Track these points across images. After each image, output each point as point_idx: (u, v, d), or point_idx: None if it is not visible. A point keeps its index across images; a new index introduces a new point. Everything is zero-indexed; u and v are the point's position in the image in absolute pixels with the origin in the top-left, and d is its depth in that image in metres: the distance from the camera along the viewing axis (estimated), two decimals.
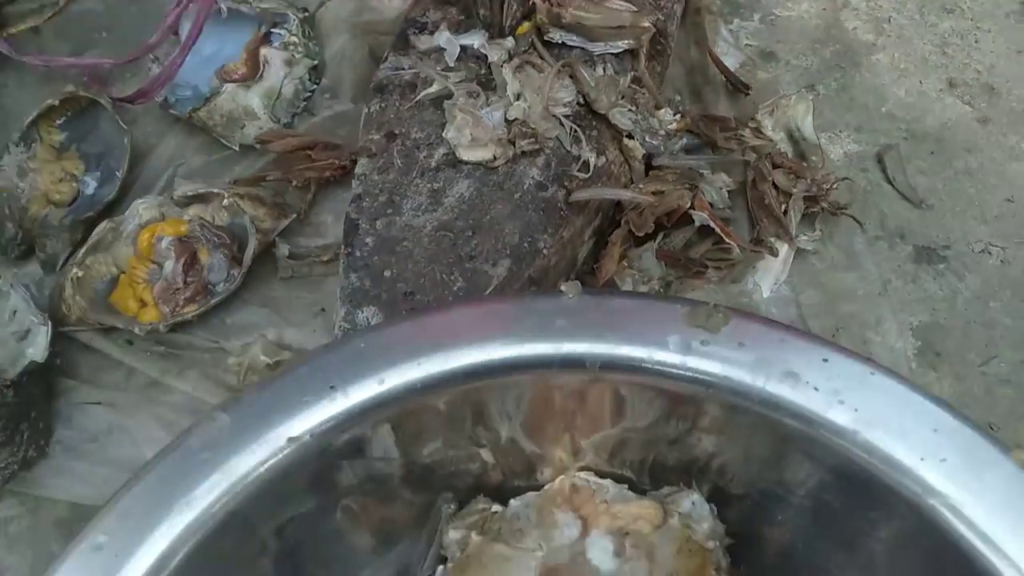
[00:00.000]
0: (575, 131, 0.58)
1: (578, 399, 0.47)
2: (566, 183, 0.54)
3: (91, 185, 0.65)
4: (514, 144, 0.53)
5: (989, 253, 0.66)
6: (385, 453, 0.44)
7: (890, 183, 0.70)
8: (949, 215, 0.68)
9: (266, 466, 0.40)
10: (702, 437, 0.46)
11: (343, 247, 0.52)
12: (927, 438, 0.38)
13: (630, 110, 0.61)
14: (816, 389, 0.40)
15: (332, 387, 0.42)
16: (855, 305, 0.63)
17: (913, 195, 0.69)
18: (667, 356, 0.42)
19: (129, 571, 0.37)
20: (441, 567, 0.43)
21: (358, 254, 0.51)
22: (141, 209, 0.60)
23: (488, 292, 0.52)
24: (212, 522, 0.38)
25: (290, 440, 0.40)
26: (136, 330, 0.57)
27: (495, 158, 0.52)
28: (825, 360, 0.41)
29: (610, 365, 0.43)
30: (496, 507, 0.46)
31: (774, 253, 0.63)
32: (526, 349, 0.43)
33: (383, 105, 0.61)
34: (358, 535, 0.47)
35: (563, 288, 0.46)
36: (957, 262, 0.65)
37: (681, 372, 0.42)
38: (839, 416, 0.39)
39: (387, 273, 0.51)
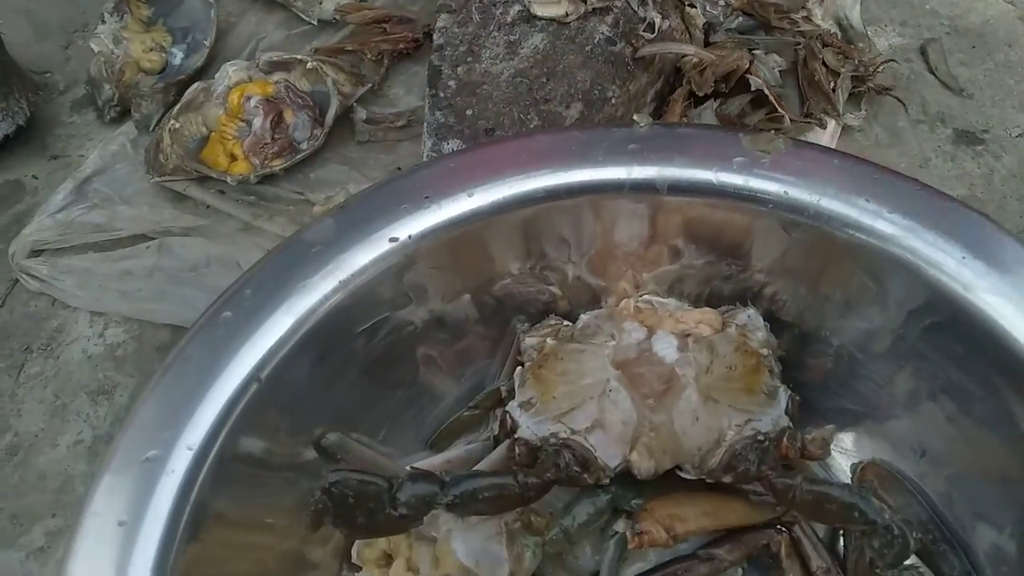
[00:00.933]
0: None
1: (642, 233, 0.52)
2: (633, 41, 0.58)
3: (178, 56, 0.71)
4: (585, 2, 0.57)
5: None
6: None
7: (932, 73, 0.73)
8: (988, 103, 0.72)
9: (372, 262, 0.45)
10: (755, 272, 0.51)
11: (428, 90, 0.57)
12: (968, 242, 0.42)
13: None
14: (867, 201, 0.44)
15: (427, 197, 0.47)
16: None
17: (954, 84, 0.72)
18: (731, 176, 0.47)
19: (253, 344, 0.42)
20: (518, 368, 0.48)
21: (442, 95, 0.56)
22: (231, 71, 0.65)
23: None
24: (325, 309, 0.44)
25: (391, 240, 0.46)
26: (228, 180, 0.62)
27: (567, 14, 0.57)
28: (874, 178, 0.46)
29: (678, 187, 0.48)
30: (567, 323, 0.51)
31: (823, 125, 0.67)
32: (601, 171, 0.48)
33: None
34: (434, 367, 0.52)
35: (635, 118, 0.50)
36: (995, 144, 0.69)
37: (744, 191, 0.47)
38: (888, 226, 0.44)
39: (469, 112, 0.56)
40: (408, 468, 0.41)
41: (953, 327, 0.42)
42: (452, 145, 0.56)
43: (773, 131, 0.49)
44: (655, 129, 0.51)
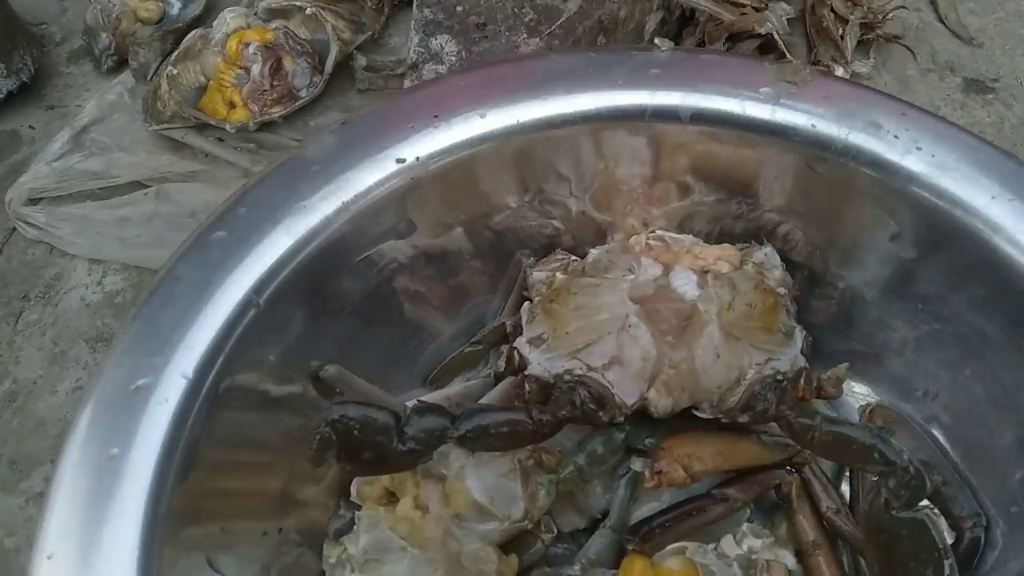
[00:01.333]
0: None
1: (651, 168, 0.50)
2: None
3: (176, 5, 0.69)
4: None
5: None
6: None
7: (942, 21, 0.72)
8: (999, 52, 0.71)
9: (377, 183, 0.42)
10: (767, 211, 0.50)
11: None
12: (995, 182, 0.42)
13: None
14: (896, 137, 0.43)
15: (436, 116, 0.44)
16: None
17: (964, 33, 0.71)
18: (757, 107, 0.45)
19: (251, 265, 0.39)
20: (526, 303, 0.46)
21: None
22: (229, 18, 0.63)
23: (558, 24, 0.54)
24: (326, 233, 0.41)
25: (398, 161, 0.43)
26: (227, 128, 0.60)
27: None
28: (904, 114, 0.44)
29: (701, 116, 0.46)
30: (575, 258, 0.49)
31: (831, 73, 0.65)
32: (621, 95, 0.46)
33: None
34: (432, 301, 0.50)
35: (656, 42, 0.48)
36: (1005, 93, 0.68)
37: (770, 124, 0.45)
38: (916, 163, 0.42)
39: (459, 8, 0.53)
40: (416, 401, 0.39)
41: (977, 270, 0.42)
42: (440, 41, 0.53)
43: (800, 62, 0.47)
44: (677, 54, 0.48)
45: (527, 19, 0.54)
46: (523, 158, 0.47)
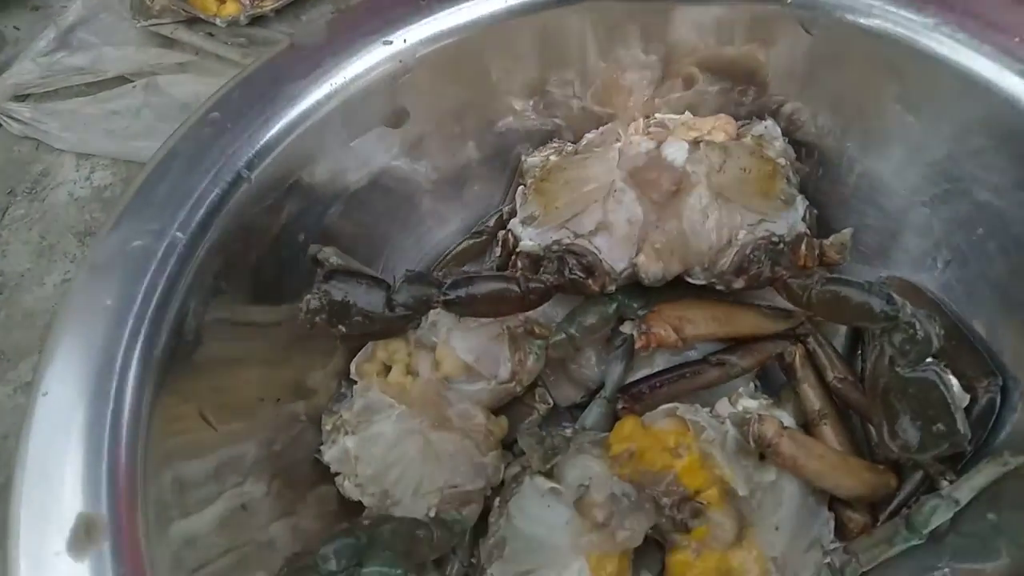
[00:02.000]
0: None
1: (652, 57, 0.49)
2: None
3: None
4: None
5: None
6: None
7: None
8: None
9: (366, 68, 0.43)
10: (774, 95, 0.49)
11: None
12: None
13: None
14: None
15: (422, 1, 0.45)
16: None
17: None
18: None
19: (244, 145, 0.41)
20: (520, 187, 0.47)
21: None
22: None
23: None
24: (317, 115, 0.42)
25: (384, 43, 0.44)
26: (217, 22, 0.61)
27: None
28: None
29: None
30: (570, 144, 0.49)
31: None
32: None
33: None
34: (433, 195, 0.51)
35: None
36: None
37: None
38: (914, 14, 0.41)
39: None
40: (406, 270, 0.40)
41: (984, 119, 0.40)
42: None
43: None
44: None
45: None
46: (517, 48, 0.47)
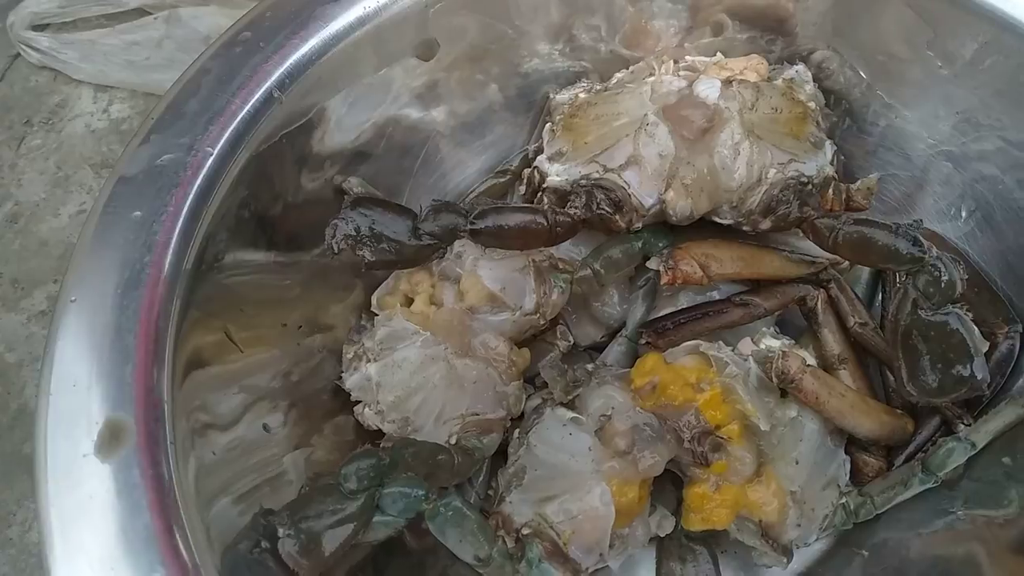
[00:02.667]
0: None
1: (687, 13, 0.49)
2: None
3: None
4: None
5: None
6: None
7: None
8: None
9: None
10: (803, 42, 0.49)
11: None
12: None
13: None
14: None
15: None
16: None
17: None
18: None
19: (276, 65, 0.40)
20: (548, 125, 0.47)
21: None
22: None
23: None
24: (347, 39, 0.42)
25: None
26: None
27: None
28: None
29: None
30: (600, 85, 0.49)
31: None
32: None
33: None
34: (457, 134, 0.51)
35: None
36: None
37: None
38: None
39: None
40: (432, 200, 0.41)
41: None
42: None
43: None
44: None
45: None
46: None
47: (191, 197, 0.36)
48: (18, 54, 0.60)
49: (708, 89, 0.42)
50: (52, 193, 0.55)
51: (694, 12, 0.50)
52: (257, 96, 0.39)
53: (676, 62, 0.50)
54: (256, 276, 0.40)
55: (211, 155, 0.37)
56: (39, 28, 0.60)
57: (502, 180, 0.49)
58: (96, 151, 0.57)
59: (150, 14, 0.59)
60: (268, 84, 0.40)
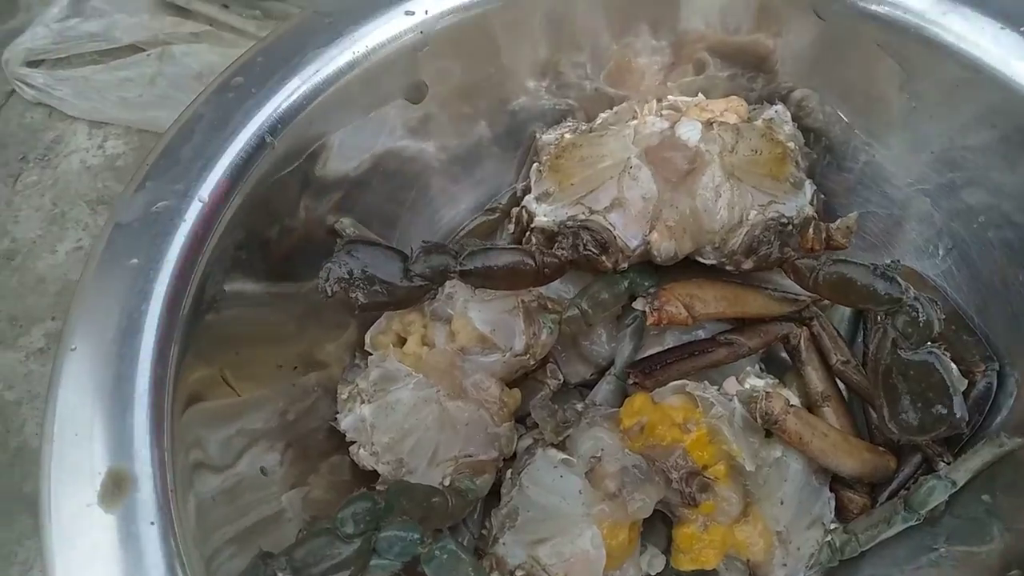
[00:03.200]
0: None
1: (663, 43, 0.51)
2: None
3: None
4: None
5: None
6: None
7: None
8: None
9: (389, 38, 0.44)
10: (783, 80, 0.51)
11: None
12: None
13: None
14: None
15: None
16: None
17: None
18: None
19: (266, 107, 0.42)
20: (535, 164, 0.48)
21: None
22: None
23: None
24: (338, 82, 0.43)
25: (407, 13, 0.45)
26: None
27: None
28: None
29: None
30: (585, 125, 0.51)
31: None
32: None
33: None
34: (446, 172, 0.52)
35: None
36: None
37: None
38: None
39: None
40: (422, 241, 0.42)
41: (1009, 134, 0.42)
42: None
43: None
44: None
45: None
46: (536, 22, 0.48)
47: (186, 244, 0.37)
48: (13, 90, 0.62)
49: (689, 132, 0.44)
50: (48, 230, 0.57)
51: (677, 49, 0.51)
52: (250, 142, 0.41)
53: (659, 101, 0.52)
54: (251, 312, 0.41)
55: (205, 202, 0.38)
56: (34, 64, 0.62)
57: (491, 218, 0.51)
58: (92, 187, 0.58)
59: (143, 51, 0.61)
60: (261, 129, 0.41)
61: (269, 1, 0.63)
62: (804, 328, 0.44)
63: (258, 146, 0.40)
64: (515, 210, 0.48)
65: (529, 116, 0.53)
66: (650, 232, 0.42)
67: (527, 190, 0.47)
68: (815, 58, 0.48)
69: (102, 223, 0.56)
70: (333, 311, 0.46)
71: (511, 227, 0.48)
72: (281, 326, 0.44)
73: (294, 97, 0.42)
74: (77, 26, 0.62)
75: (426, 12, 0.45)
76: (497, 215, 0.50)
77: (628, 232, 0.42)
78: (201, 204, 0.38)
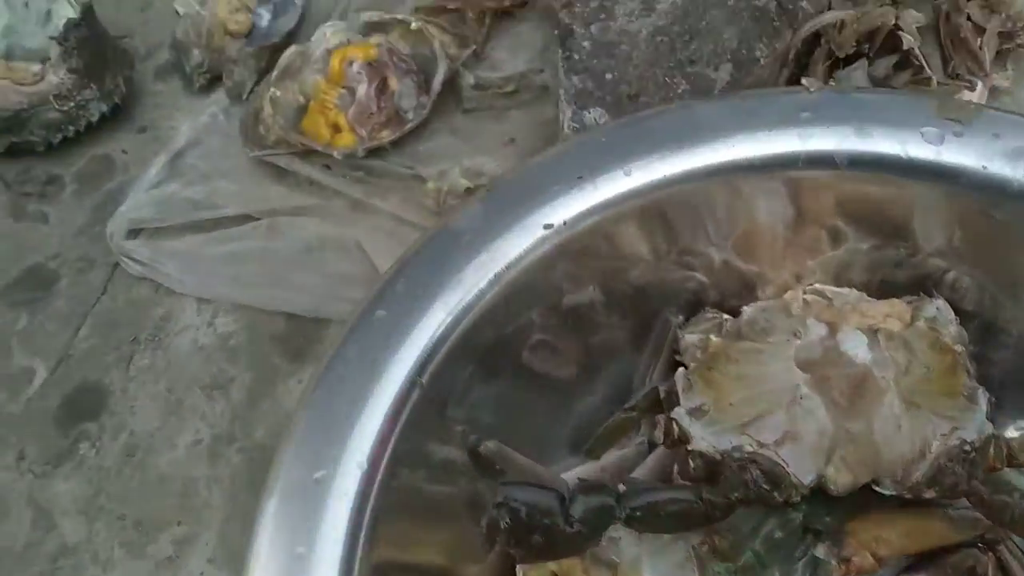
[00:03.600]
0: None
1: (797, 213, 0.49)
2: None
3: (265, 17, 0.69)
4: None
5: None
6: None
7: None
8: None
9: (526, 251, 0.43)
10: (929, 256, 0.48)
11: (560, 52, 0.55)
12: None
13: None
14: None
15: (580, 177, 0.44)
16: None
17: None
18: (921, 149, 0.43)
19: (412, 344, 0.40)
20: (681, 370, 0.46)
21: (576, 57, 0.55)
22: (328, 33, 0.63)
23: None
24: (480, 305, 0.42)
25: (546, 227, 0.43)
26: (335, 154, 0.60)
27: None
28: None
29: (860, 161, 0.45)
30: (727, 316, 0.48)
31: (971, 88, 0.63)
32: (772, 143, 0.45)
33: None
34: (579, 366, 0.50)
35: (804, 82, 0.47)
36: None
37: (936, 165, 0.43)
38: None
39: (608, 76, 0.54)
40: (576, 479, 0.40)
41: None
42: (594, 114, 0.53)
43: (961, 95, 0.45)
44: (827, 95, 0.47)
45: (679, 90, 0.54)
46: (668, 211, 0.46)
47: (347, 526, 0.35)
48: (117, 263, 0.61)
49: (855, 347, 0.42)
50: (166, 421, 0.55)
51: (805, 215, 0.49)
52: (401, 385, 0.39)
53: (799, 279, 0.50)
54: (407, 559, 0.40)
55: (364, 470, 0.36)
56: (133, 232, 0.61)
57: (630, 416, 0.48)
58: (206, 371, 0.57)
59: (247, 221, 0.60)
60: (410, 371, 0.39)
61: (371, 160, 0.62)
62: (990, 554, 0.41)
63: (408, 389, 0.39)
64: (662, 417, 0.45)
65: (655, 293, 0.51)
66: (826, 466, 0.39)
67: (673, 396, 0.45)
68: (971, 244, 0.45)
69: (219, 411, 0.55)
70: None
71: (659, 435, 0.45)
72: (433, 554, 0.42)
73: (439, 329, 0.40)
74: (178, 193, 0.61)
75: (564, 223, 0.43)
76: (636, 414, 0.48)
77: (801, 467, 0.39)
78: (359, 471, 0.36)
